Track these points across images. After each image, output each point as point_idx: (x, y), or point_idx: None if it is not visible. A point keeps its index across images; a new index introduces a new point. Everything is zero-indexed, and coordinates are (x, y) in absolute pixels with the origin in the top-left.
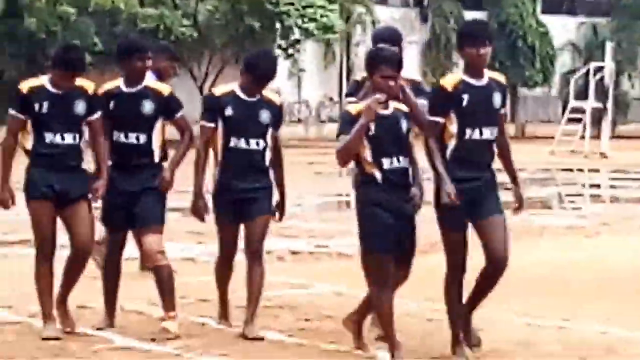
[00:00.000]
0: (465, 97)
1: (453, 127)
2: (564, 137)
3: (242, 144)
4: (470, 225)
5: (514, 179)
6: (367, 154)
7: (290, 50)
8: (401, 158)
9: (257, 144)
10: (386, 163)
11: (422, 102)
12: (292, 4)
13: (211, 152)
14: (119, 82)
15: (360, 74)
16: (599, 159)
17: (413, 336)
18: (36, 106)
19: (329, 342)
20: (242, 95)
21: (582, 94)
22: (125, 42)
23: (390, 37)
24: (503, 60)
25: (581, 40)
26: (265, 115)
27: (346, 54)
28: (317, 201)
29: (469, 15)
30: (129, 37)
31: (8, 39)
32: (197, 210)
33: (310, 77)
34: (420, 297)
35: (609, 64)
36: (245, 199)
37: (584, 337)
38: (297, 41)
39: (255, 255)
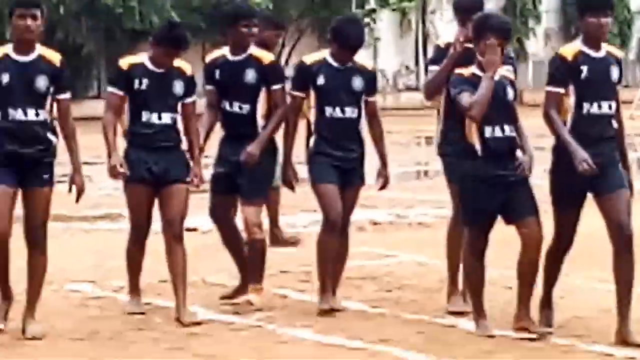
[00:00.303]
0: (585, 68)
1: (571, 100)
2: None
3: (337, 113)
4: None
5: (624, 160)
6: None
7: (366, 19)
8: (506, 127)
9: (352, 112)
10: (488, 131)
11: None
12: None
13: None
14: (224, 51)
15: (440, 39)
16: None
17: (494, 305)
18: (136, 83)
19: (411, 312)
20: (334, 63)
21: None
22: (232, 8)
23: (473, 4)
24: None
25: None
26: (357, 82)
27: (422, 22)
28: (396, 170)
29: None
30: (235, 2)
31: (86, 14)
32: (288, 180)
33: (387, 46)
34: (501, 265)
35: None
36: (341, 167)
37: None
38: (373, 10)
39: (346, 225)
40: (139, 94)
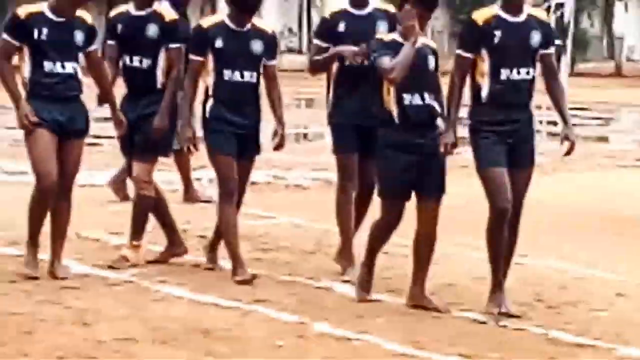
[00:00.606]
0: (498, 33)
1: (485, 65)
2: None
3: (236, 76)
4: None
5: (565, 122)
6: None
7: None
8: (426, 95)
9: (251, 76)
10: (407, 99)
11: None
12: None
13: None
14: (129, 6)
15: (325, 8)
16: None
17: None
18: (35, 33)
19: (286, 274)
20: (232, 26)
21: None
22: None
23: None
24: None
25: None
26: (257, 46)
27: None
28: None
29: None
30: None
31: None
32: (187, 141)
33: (270, 7)
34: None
35: (569, 1)
36: (238, 134)
37: (540, 273)
38: None
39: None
40: (40, 43)
